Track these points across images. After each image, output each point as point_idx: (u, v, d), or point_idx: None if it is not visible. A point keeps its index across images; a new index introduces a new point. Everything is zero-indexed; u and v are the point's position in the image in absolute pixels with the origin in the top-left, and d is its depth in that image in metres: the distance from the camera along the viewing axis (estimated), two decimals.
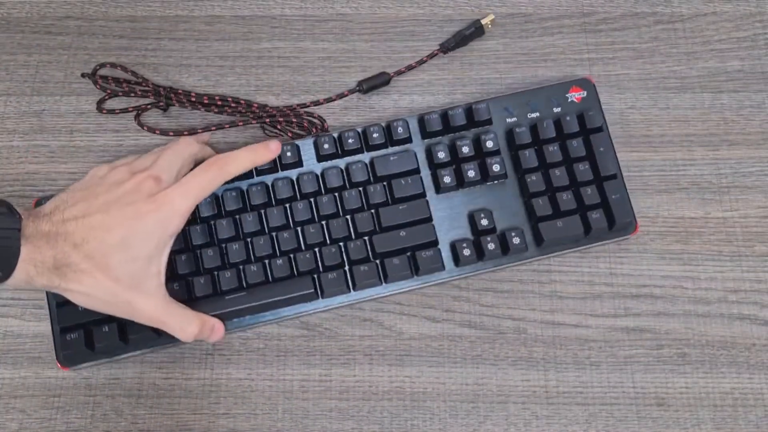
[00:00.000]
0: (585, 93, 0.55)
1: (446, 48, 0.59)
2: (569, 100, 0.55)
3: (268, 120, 0.57)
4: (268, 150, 0.50)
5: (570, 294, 0.54)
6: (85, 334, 0.50)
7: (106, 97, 0.58)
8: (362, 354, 0.53)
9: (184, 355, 0.53)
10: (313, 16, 0.62)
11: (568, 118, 0.53)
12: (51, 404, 0.52)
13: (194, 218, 0.52)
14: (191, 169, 0.48)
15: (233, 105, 0.57)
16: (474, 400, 0.52)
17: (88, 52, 0.61)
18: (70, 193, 0.46)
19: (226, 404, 0.52)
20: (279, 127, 0.57)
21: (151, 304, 0.45)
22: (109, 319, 0.50)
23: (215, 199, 0.52)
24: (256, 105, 0.58)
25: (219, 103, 0.57)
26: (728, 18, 0.61)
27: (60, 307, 0.50)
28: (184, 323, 0.47)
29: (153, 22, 0.62)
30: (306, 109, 0.58)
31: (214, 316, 0.50)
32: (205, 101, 0.58)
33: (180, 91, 0.58)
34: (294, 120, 0.57)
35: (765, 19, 0.61)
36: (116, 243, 0.43)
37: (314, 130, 0.57)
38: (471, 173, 0.53)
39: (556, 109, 0.55)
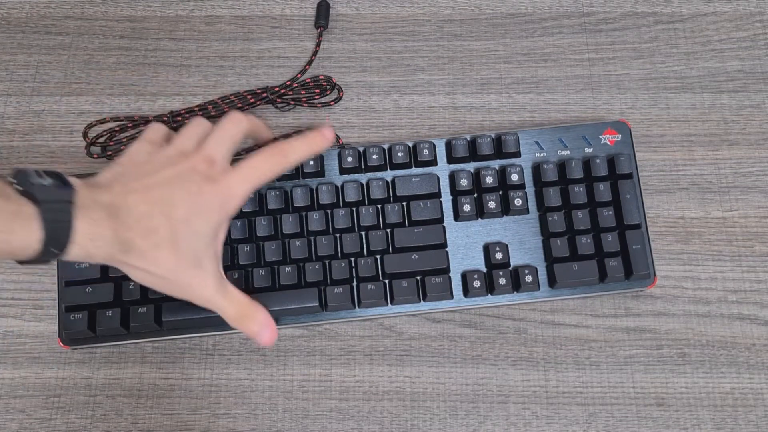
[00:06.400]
0: (620, 137, 0.54)
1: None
2: (602, 141, 0.54)
3: (278, 99, 0.58)
4: (324, 137, 0.47)
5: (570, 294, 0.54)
6: (89, 316, 0.50)
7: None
8: (362, 354, 0.53)
9: (184, 355, 0.53)
10: (313, 16, 0.62)
11: (598, 160, 0.53)
12: (51, 404, 0.52)
13: None
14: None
15: (238, 100, 0.58)
16: (474, 400, 0.52)
17: (88, 52, 0.61)
18: (123, 166, 0.44)
19: (226, 404, 0.52)
20: (292, 102, 0.58)
21: (210, 286, 0.44)
22: (113, 304, 0.50)
23: None
24: (258, 90, 0.58)
25: (226, 108, 0.57)
26: (728, 18, 0.61)
27: (68, 286, 0.51)
28: (241, 309, 0.45)
29: (153, 22, 0.62)
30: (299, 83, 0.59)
31: (216, 318, 0.50)
32: (210, 109, 0.58)
33: (182, 111, 0.58)
34: (303, 90, 0.58)
35: (765, 19, 0.61)
36: (180, 218, 0.42)
37: (327, 90, 0.58)
38: (492, 204, 0.52)
39: (588, 149, 0.54)
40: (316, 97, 0.58)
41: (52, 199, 0.38)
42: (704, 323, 0.53)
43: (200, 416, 0.51)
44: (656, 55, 0.60)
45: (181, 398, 0.52)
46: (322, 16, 0.60)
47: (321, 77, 0.58)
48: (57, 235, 0.38)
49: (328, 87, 0.58)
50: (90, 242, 0.39)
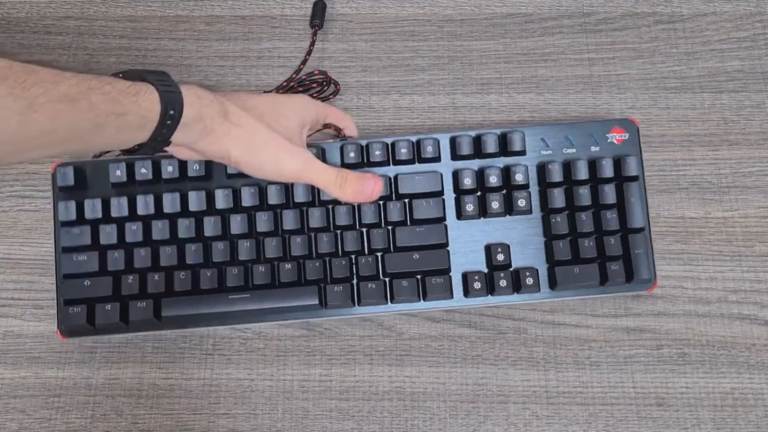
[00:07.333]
0: (627, 135, 0.53)
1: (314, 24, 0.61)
2: (609, 140, 0.53)
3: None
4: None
5: (570, 296, 0.54)
6: (88, 309, 0.50)
7: None
8: (362, 354, 0.53)
9: (183, 355, 0.53)
10: None
11: (604, 161, 0.52)
12: (51, 404, 0.52)
13: (209, 210, 0.52)
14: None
15: None
16: (474, 400, 0.52)
17: (88, 52, 0.61)
18: None
19: (226, 404, 0.52)
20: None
21: (298, 162, 0.47)
22: (112, 298, 0.50)
23: (233, 193, 0.52)
24: None
25: None
26: (728, 18, 0.61)
27: (66, 279, 0.51)
28: (338, 175, 0.48)
29: (153, 22, 0.62)
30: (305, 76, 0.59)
31: (215, 314, 0.51)
32: None
33: None
34: (300, 88, 0.58)
35: (765, 19, 0.61)
36: (271, 104, 0.49)
37: (324, 86, 0.58)
38: (495, 204, 0.52)
39: (594, 148, 0.53)
40: (314, 94, 0.58)
41: (161, 80, 0.43)
42: (704, 323, 0.53)
43: (200, 416, 0.51)
44: (656, 55, 0.60)
45: (181, 398, 0.52)
46: (318, 16, 0.60)
47: (315, 72, 0.58)
48: (171, 99, 0.42)
49: (324, 82, 0.58)
50: (198, 101, 0.44)
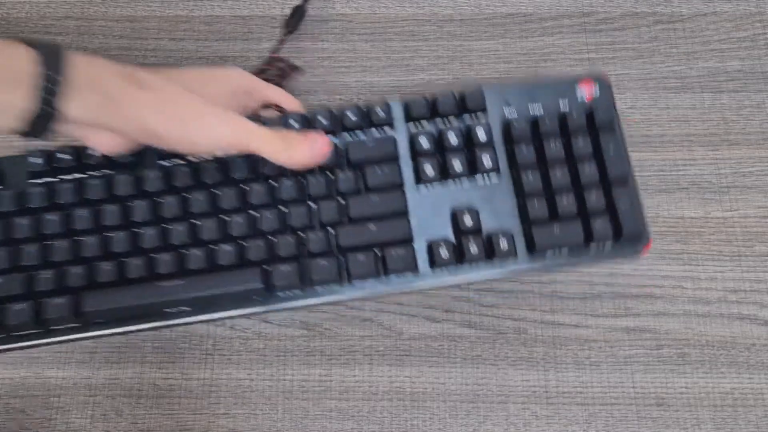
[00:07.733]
0: (598, 91, 0.48)
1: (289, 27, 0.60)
2: (579, 98, 0.48)
3: None
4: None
5: (570, 294, 0.54)
6: None
7: None
8: (362, 354, 0.53)
9: (184, 355, 0.53)
10: (313, 16, 0.62)
11: (575, 113, 0.47)
12: (51, 404, 0.52)
13: (138, 193, 0.47)
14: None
15: None
16: (474, 400, 0.52)
17: (88, 52, 0.61)
18: None
19: (226, 404, 0.52)
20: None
21: (232, 125, 0.41)
22: (25, 296, 0.44)
23: (163, 173, 0.47)
24: None
25: None
26: (728, 18, 0.61)
27: None
28: (283, 141, 0.43)
29: (153, 22, 0.62)
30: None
31: (145, 306, 0.45)
32: None
33: None
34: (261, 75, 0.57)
35: (765, 19, 0.61)
36: (195, 75, 0.44)
37: (290, 72, 0.57)
38: (456, 165, 0.47)
39: (562, 103, 0.48)
40: (273, 78, 0.57)
41: (44, 43, 0.38)
42: (704, 323, 0.53)
43: (200, 416, 0.52)
44: (656, 55, 0.60)
45: (181, 398, 0.52)
46: (294, 19, 0.60)
47: (276, 57, 0.57)
48: (53, 58, 0.37)
49: (285, 68, 0.56)
50: (89, 63, 0.39)
